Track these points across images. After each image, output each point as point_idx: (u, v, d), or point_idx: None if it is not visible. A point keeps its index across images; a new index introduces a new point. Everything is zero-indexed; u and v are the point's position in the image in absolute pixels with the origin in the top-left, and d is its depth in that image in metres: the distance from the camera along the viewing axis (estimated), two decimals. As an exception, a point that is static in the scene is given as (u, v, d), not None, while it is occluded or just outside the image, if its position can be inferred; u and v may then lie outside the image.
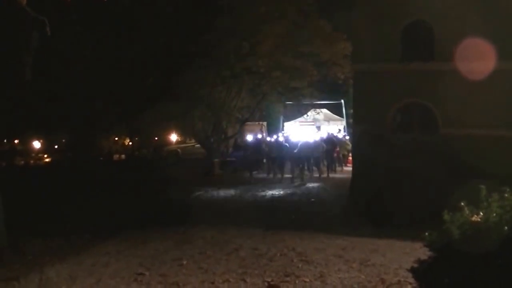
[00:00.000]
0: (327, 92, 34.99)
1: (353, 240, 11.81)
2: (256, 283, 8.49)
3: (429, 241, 5.48)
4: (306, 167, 24.51)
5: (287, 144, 25.66)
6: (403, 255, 9.94)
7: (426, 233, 5.54)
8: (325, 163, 27.03)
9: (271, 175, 25.75)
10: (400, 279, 8.39)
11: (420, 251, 5.85)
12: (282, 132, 36.30)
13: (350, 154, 27.59)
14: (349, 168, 25.54)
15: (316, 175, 25.08)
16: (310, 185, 22.50)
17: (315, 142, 25.52)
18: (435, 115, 14.66)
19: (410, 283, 7.77)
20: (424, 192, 13.91)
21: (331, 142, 27.77)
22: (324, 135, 30.89)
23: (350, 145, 28.28)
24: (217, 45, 25.36)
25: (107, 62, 14.83)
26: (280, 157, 25.30)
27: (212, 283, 8.50)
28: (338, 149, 28.37)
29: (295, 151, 23.98)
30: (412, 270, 5.66)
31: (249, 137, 34.90)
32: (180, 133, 36.09)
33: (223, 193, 21.24)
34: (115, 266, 9.79)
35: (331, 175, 26.21)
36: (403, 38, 14.92)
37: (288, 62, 27.64)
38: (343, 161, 29.75)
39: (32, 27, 11.75)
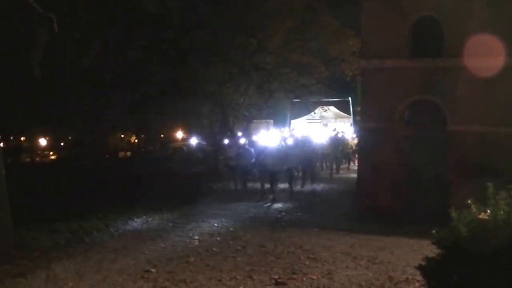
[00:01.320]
0: (334, 90, 34.81)
1: (361, 237, 11.80)
2: (263, 280, 8.48)
3: (437, 239, 5.45)
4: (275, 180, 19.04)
5: (251, 149, 20.66)
6: (411, 253, 9.93)
7: (434, 231, 5.51)
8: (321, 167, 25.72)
9: (238, 186, 20.75)
10: (408, 277, 8.37)
11: (427, 249, 5.82)
12: (246, 133, 30.95)
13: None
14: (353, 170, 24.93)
15: (298, 186, 20.92)
16: (278, 204, 17.57)
17: (287, 150, 20.17)
18: (443, 112, 14.56)
19: (418, 281, 7.75)
20: (431, 190, 13.86)
21: (336, 142, 26.84)
22: (323, 136, 28.95)
23: (352, 144, 28.14)
24: (225, 41, 25.34)
25: (114, 57, 14.80)
26: (241, 166, 20.47)
27: (219, 280, 8.50)
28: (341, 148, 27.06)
29: (263, 159, 19.13)
30: (420, 268, 5.62)
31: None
32: (187, 130, 35.90)
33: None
34: (122, 262, 9.79)
35: (336, 175, 25.26)
36: (411, 34, 14.81)
37: (296, 59, 27.60)
38: (351, 159, 28.83)
39: (40, 23, 11.80)
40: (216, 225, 13.77)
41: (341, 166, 28.10)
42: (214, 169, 25.47)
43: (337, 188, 21.34)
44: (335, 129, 35.76)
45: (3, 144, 14.12)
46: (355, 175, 19.17)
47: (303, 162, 21.19)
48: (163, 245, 11.33)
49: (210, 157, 27.30)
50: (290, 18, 26.57)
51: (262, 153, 19.67)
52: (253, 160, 19.97)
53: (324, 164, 27.56)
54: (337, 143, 27.04)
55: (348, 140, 29.23)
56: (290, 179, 19.73)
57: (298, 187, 20.75)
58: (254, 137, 25.61)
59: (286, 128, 37.28)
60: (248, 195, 19.35)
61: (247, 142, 22.22)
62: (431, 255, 5.57)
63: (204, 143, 27.71)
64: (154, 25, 14.60)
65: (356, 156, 26.19)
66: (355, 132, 31.00)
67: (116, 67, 15.05)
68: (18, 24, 12.33)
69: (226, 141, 27.10)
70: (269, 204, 17.65)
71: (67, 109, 27.87)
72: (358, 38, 19.46)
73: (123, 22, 14.33)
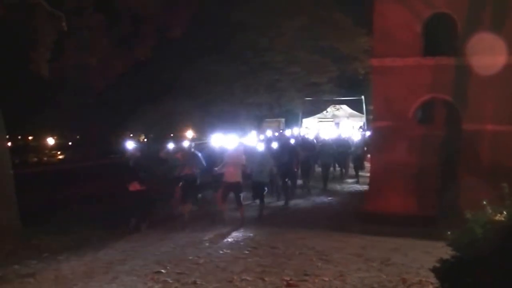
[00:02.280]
0: (347, 88, 34.71)
1: (373, 238, 11.65)
2: (274, 282, 8.37)
3: (452, 240, 5.33)
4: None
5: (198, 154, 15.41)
6: (424, 254, 9.75)
7: (449, 232, 5.38)
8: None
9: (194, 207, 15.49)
10: (422, 279, 8.22)
11: (442, 250, 5.67)
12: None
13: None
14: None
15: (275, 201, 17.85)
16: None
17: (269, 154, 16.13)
18: (457, 110, 14.37)
19: (432, 283, 7.59)
20: (445, 190, 13.66)
21: (343, 145, 23.45)
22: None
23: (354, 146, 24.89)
24: (234, 39, 25.30)
25: (121, 57, 14.75)
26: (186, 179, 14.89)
27: (230, 281, 8.39)
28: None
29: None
30: (434, 270, 5.51)
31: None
32: (196, 129, 35.76)
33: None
34: (131, 263, 9.72)
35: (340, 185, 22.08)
36: (424, 32, 14.63)
37: (306, 57, 27.44)
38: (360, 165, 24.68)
39: (48, 22, 11.79)
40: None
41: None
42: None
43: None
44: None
45: (10, 144, 14.10)
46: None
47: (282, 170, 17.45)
48: (173, 246, 11.25)
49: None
50: (300, 17, 26.43)
51: (213, 158, 15.94)
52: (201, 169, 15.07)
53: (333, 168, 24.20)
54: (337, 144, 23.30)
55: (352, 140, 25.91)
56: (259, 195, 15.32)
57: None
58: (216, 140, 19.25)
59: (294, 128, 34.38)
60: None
61: (192, 145, 16.23)
62: (445, 257, 5.45)
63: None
64: (161, 24, 14.50)
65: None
66: (368, 130, 29.76)
67: (123, 67, 14.97)
68: (26, 22, 12.32)
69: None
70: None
71: (73, 108, 28.09)
72: (370, 36, 19.29)
73: (130, 21, 14.27)
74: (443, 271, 5.39)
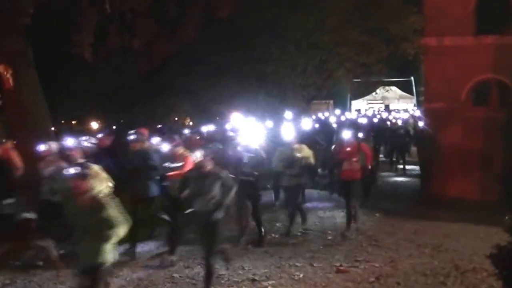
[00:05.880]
0: (396, 69, 34.07)
1: (425, 224, 11.45)
2: (324, 268, 8.35)
3: (509, 226, 5.15)
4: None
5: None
6: (477, 240, 9.56)
7: (507, 217, 5.21)
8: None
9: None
10: (475, 266, 8.07)
11: (495, 237, 5.53)
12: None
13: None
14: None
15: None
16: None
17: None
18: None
19: (486, 270, 7.44)
20: (501, 174, 13.25)
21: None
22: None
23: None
24: (283, 19, 25.11)
25: (166, 39, 14.72)
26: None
27: (278, 267, 8.39)
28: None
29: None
30: (491, 257, 5.35)
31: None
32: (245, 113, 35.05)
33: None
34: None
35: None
36: (477, 10, 14.17)
37: (355, 38, 27.01)
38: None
39: (91, 4, 11.92)
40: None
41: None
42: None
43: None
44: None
45: (54, 129, 14.30)
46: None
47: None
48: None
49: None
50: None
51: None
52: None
53: None
54: None
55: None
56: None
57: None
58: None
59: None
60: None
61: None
62: (502, 243, 5.28)
63: None
64: (207, 4, 14.37)
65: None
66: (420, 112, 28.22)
67: (169, 49, 14.95)
68: (69, 5, 12.51)
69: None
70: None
71: (118, 91, 28.40)
72: (420, 15, 18.80)
73: (176, 2, 14.19)
74: (500, 258, 5.24)
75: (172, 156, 9.26)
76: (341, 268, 8.31)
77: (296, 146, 10.64)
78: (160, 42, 14.71)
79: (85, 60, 13.14)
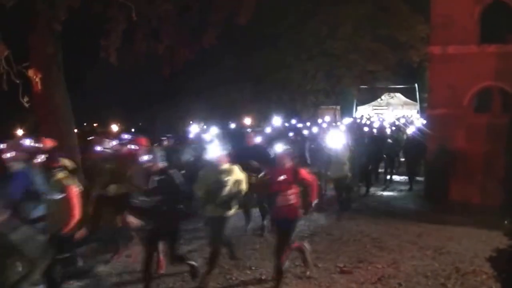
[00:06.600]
0: (400, 76, 34.26)
1: (429, 227, 11.63)
2: (328, 268, 8.58)
3: (509, 230, 5.36)
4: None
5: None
6: (479, 244, 9.76)
7: (506, 221, 5.41)
8: None
9: None
10: (476, 268, 8.28)
11: (497, 240, 5.73)
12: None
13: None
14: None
15: None
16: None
17: None
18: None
19: (486, 273, 7.67)
20: (503, 179, 13.43)
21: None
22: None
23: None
24: (297, 27, 25.43)
25: (187, 45, 15.04)
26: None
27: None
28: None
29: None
30: (491, 259, 5.56)
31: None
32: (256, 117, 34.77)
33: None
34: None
35: None
36: (481, 19, 14.39)
37: (366, 45, 27.32)
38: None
39: (119, 11, 12.25)
40: None
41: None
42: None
43: None
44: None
45: (77, 130, 14.50)
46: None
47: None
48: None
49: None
50: (362, 5, 26.38)
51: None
52: None
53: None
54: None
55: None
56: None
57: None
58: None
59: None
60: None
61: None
62: (501, 246, 5.50)
63: None
64: (229, 11, 14.65)
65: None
66: (423, 118, 28.14)
67: (190, 54, 15.26)
68: (100, 11, 12.84)
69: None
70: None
71: (140, 95, 28.70)
72: (427, 23, 19.03)
73: (198, 9, 14.51)
74: (499, 261, 5.44)
75: None
76: (345, 269, 8.55)
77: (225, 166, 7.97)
78: (183, 47, 15.05)
79: (111, 64, 13.47)
